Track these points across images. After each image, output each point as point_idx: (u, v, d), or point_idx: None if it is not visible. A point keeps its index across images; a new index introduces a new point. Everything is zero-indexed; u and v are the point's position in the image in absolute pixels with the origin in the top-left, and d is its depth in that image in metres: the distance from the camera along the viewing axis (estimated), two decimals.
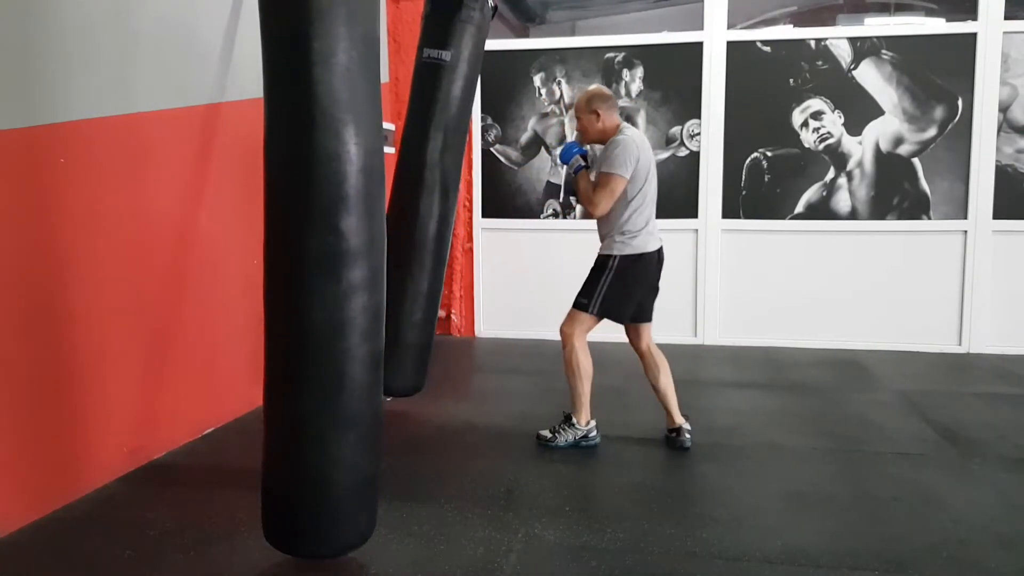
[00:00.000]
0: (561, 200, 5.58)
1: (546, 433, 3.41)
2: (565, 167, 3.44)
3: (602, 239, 3.35)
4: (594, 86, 3.50)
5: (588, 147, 3.45)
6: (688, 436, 3.37)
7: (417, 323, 3.67)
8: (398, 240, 3.53)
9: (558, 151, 3.41)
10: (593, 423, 3.39)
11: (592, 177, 3.31)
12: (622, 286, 3.26)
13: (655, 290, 3.45)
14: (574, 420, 3.37)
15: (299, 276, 2.10)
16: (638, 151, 3.20)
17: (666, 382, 3.42)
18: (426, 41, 3.61)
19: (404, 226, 3.60)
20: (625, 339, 3.52)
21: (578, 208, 5.53)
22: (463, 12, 3.52)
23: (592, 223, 3.45)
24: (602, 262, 3.30)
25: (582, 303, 3.29)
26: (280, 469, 2.20)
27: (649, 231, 3.29)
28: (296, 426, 2.14)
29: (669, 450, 3.34)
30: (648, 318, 3.46)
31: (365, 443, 2.21)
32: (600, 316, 3.29)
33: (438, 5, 3.61)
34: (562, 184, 5.48)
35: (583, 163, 3.34)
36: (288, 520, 2.21)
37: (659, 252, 3.35)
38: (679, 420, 3.41)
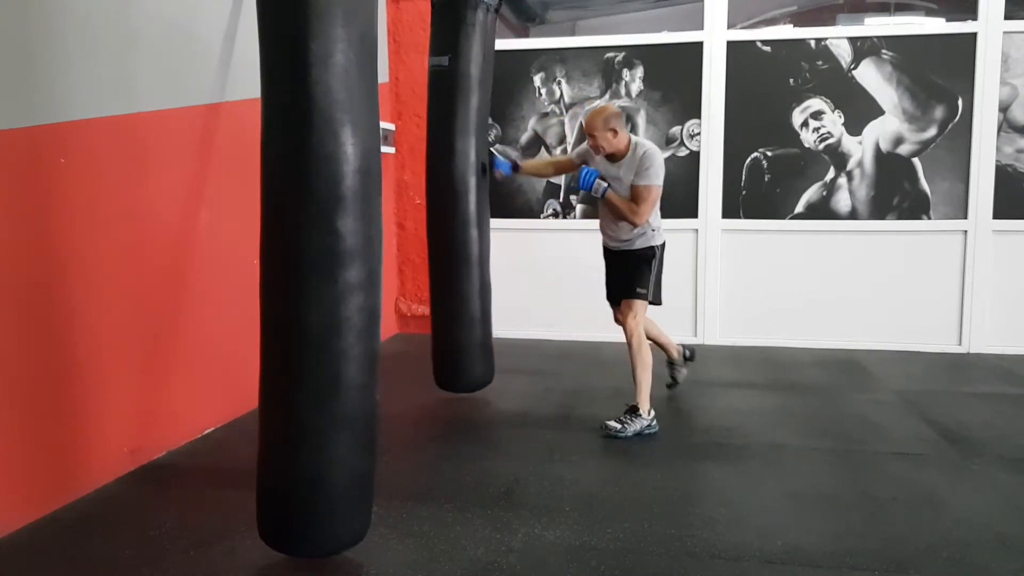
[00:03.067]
0: (561, 200, 5.59)
1: (615, 424, 3.48)
2: (590, 191, 3.52)
3: (630, 237, 3.56)
4: (601, 103, 3.68)
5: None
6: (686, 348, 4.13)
7: (475, 320, 3.85)
8: (441, 244, 3.82)
9: (576, 179, 3.57)
10: (654, 412, 3.55)
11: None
12: (661, 270, 3.60)
13: None
14: (641, 411, 3.50)
15: (295, 276, 2.10)
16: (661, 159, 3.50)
17: (655, 330, 3.95)
18: (431, 50, 3.73)
19: (444, 230, 3.81)
20: (622, 339, 3.64)
21: (578, 208, 5.55)
22: (466, 15, 3.56)
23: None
24: (647, 253, 3.55)
25: (641, 293, 3.53)
26: (276, 468, 2.20)
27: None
28: (292, 425, 2.14)
29: (669, 450, 3.34)
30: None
31: (360, 442, 2.21)
32: (654, 301, 3.57)
33: (439, 13, 3.65)
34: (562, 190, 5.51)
35: (606, 183, 3.48)
36: (283, 519, 2.21)
37: None
38: (676, 347, 4.08)
